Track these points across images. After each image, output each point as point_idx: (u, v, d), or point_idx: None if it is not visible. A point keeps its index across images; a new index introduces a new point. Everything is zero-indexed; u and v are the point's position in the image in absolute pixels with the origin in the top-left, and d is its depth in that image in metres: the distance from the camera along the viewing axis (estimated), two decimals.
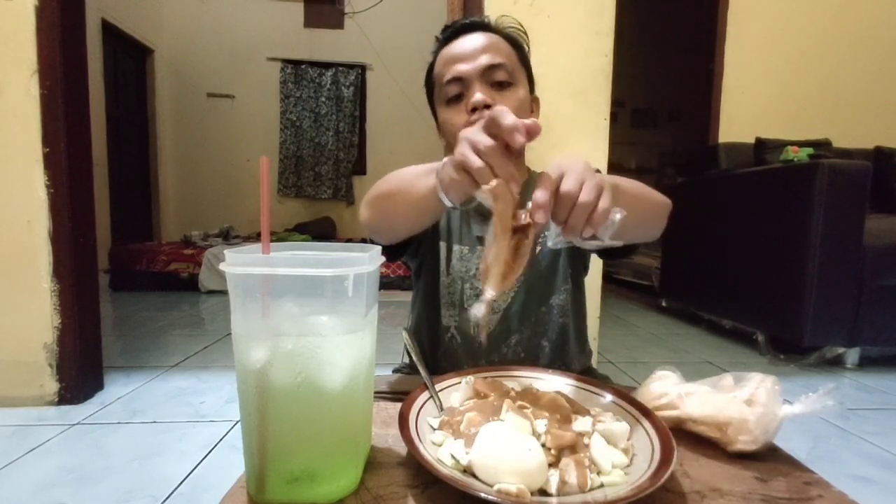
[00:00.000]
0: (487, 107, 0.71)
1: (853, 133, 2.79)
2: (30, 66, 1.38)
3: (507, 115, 0.41)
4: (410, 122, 4.99)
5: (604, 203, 0.41)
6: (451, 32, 0.77)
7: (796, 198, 1.94)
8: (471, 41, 0.74)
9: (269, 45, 4.94)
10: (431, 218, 0.63)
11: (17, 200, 1.40)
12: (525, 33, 0.82)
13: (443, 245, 0.79)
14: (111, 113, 3.97)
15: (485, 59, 0.72)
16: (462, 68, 0.73)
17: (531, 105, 0.80)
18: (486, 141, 0.41)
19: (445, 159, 0.48)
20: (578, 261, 0.80)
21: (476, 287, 0.77)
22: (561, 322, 0.78)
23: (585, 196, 0.40)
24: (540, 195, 0.40)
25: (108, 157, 3.89)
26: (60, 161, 1.41)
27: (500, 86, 0.73)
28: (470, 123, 0.72)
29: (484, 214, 0.78)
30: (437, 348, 0.79)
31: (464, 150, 0.42)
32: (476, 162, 0.41)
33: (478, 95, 0.71)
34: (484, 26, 0.77)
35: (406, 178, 0.58)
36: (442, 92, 0.76)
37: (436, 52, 0.80)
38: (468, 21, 0.78)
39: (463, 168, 0.43)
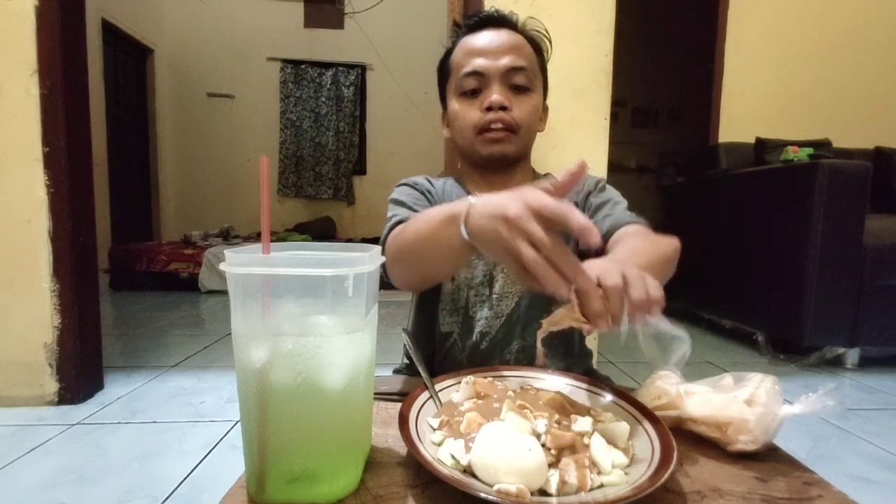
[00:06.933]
0: (504, 108, 0.71)
1: (853, 133, 2.79)
2: (30, 66, 1.38)
3: (576, 215, 0.38)
4: (410, 122, 4.98)
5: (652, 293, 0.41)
6: (477, 22, 0.76)
7: (796, 198, 1.94)
8: (496, 37, 0.73)
9: (269, 45, 4.94)
10: (462, 265, 0.62)
11: (17, 200, 1.40)
12: (549, 40, 0.81)
13: None
14: (111, 113, 3.97)
15: (508, 60, 0.71)
16: (484, 64, 0.71)
17: (541, 112, 0.80)
18: (543, 237, 0.39)
19: (468, 204, 0.46)
20: None
21: (481, 294, 0.76)
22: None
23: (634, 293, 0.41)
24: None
25: (108, 157, 3.89)
26: (60, 161, 1.41)
27: (518, 90, 0.73)
28: (486, 123, 0.72)
29: None
30: (436, 354, 0.78)
31: (519, 245, 0.39)
32: (533, 257, 0.39)
33: (496, 96, 0.70)
34: (511, 24, 0.75)
35: (426, 231, 0.54)
36: (458, 82, 0.75)
37: (456, 39, 0.78)
38: (496, 14, 0.76)
39: (513, 256, 0.40)
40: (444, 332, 0.77)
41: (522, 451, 0.36)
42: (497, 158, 0.75)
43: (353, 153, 5.13)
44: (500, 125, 0.72)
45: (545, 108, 0.82)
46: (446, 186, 0.83)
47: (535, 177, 0.84)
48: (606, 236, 0.69)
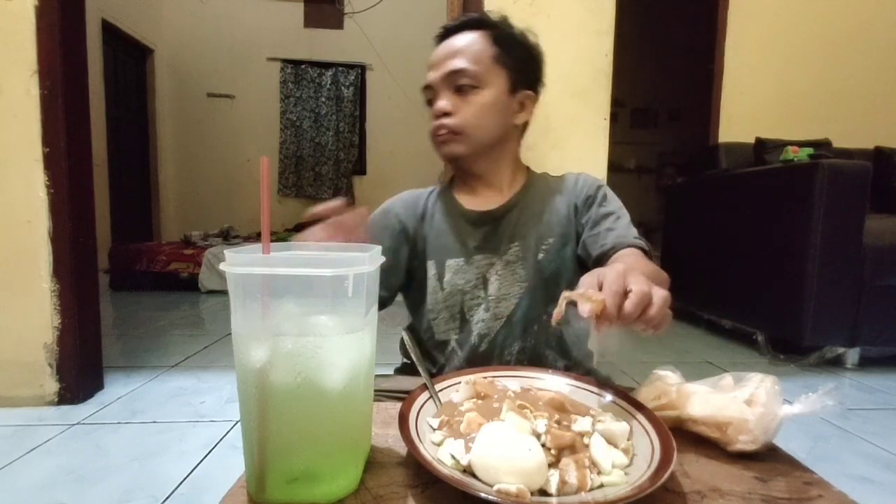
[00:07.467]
0: (447, 114, 0.73)
1: (853, 133, 2.78)
2: (30, 66, 1.38)
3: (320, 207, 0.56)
4: (410, 122, 4.97)
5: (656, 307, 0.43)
6: (437, 38, 0.79)
7: (796, 198, 1.94)
8: (443, 48, 0.75)
9: (269, 45, 4.94)
10: None
11: (17, 200, 1.40)
12: (509, 25, 0.78)
13: (431, 263, 0.78)
14: (111, 113, 3.97)
15: (448, 66, 0.73)
16: (431, 76, 0.75)
17: (513, 103, 0.76)
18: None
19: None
20: (585, 270, 0.79)
21: (477, 296, 0.76)
22: (564, 330, 0.77)
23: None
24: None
25: (108, 157, 3.89)
26: (60, 161, 1.41)
27: (463, 90, 0.74)
28: (434, 130, 0.75)
29: (474, 223, 0.79)
30: (434, 364, 0.78)
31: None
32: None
33: (439, 104, 0.74)
34: (468, 25, 0.76)
35: None
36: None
37: None
38: (451, 25, 0.78)
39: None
40: (442, 341, 0.77)
41: (522, 451, 0.36)
42: (449, 159, 0.78)
43: (352, 153, 5.13)
44: (443, 131, 0.74)
45: (529, 97, 0.78)
46: (429, 201, 0.83)
47: (528, 175, 0.83)
48: (610, 251, 0.69)
